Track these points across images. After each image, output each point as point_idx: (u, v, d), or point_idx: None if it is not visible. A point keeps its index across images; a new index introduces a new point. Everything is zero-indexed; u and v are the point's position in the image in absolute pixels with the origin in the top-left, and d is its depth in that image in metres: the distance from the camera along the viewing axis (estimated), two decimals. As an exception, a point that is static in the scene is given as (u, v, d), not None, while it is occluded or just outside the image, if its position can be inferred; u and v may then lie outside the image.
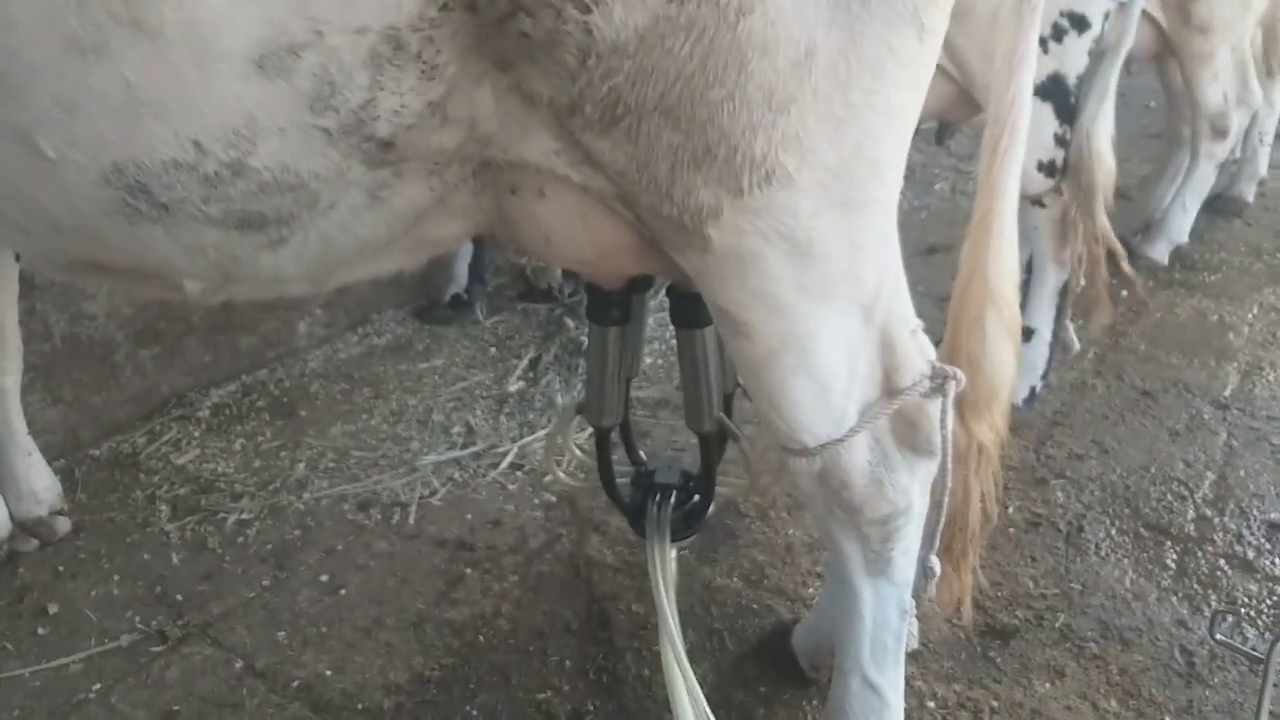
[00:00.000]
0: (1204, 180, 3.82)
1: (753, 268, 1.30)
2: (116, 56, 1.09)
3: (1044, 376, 2.91)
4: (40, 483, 2.48)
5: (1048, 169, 2.59)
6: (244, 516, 2.61)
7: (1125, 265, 2.81)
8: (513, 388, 3.15)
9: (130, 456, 2.86)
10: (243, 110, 1.14)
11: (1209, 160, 3.78)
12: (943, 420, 1.49)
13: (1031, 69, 1.46)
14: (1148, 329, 3.50)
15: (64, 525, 2.51)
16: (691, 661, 2.11)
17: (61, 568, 2.44)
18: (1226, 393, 3.10)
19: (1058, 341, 2.90)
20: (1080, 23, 2.44)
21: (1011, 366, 1.62)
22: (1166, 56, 3.73)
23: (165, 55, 1.09)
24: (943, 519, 1.58)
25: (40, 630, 2.26)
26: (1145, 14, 3.42)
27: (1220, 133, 3.71)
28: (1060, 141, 2.56)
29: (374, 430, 2.99)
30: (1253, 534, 2.49)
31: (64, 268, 1.47)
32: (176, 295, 1.49)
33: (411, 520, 2.60)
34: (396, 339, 3.51)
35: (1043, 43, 2.43)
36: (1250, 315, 3.58)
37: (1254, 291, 3.74)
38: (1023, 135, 1.51)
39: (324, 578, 2.41)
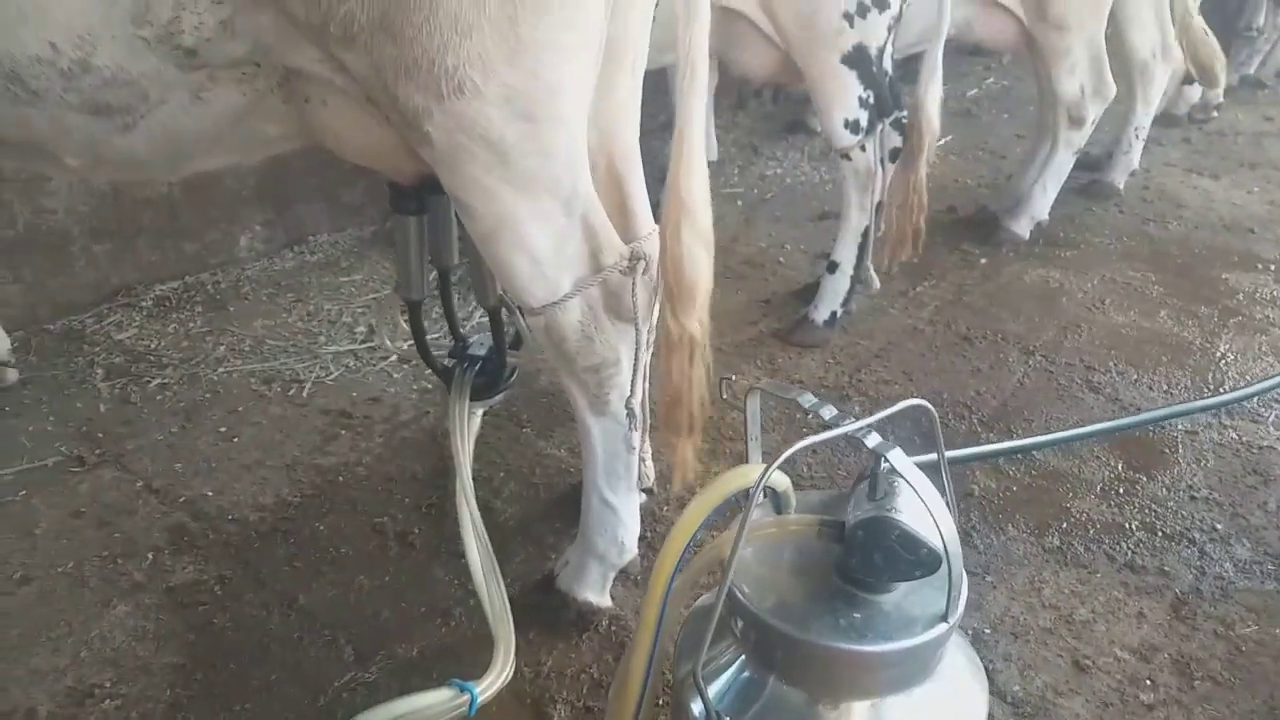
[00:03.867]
0: (1062, 165, 4.23)
1: (464, 161, 1.69)
2: None
3: (844, 304, 3.36)
4: (-10, 336, 2.96)
5: (852, 127, 3.03)
6: (165, 381, 3.10)
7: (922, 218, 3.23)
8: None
9: (78, 332, 3.35)
10: (84, 20, 1.53)
11: (1067, 147, 4.19)
12: (633, 291, 1.91)
13: (705, 19, 1.81)
14: (991, 290, 3.93)
15: (11, 375, 3.00)
16: (506, 503, 2.60)
17: (7, 407, 2.93)
18: (1038, 342, 3.54)
19: (858, 276, 3.34)
20: (880, 3, 2.87)
21: (704, 266, 1.91)
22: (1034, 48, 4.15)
23: None
24: (639, 372, 2.01)
25: (-18, 451, 2.76)
26: (1007, 9, 3.87)
27: (1076, 122, 4.12)
28: (863, 104, 3.00)
29: (290, 325, 3.47)
30: (1011, 447, 2.94)
31: None
32: (63, 171, 1.92)
33: (305, 393, 3.08)
34: (327, 257, 3.98)
35: (849, 19, 2.87)
36: (1089, 285, 4.00)
37: (1101, 266, 4.16)
38: (703, 74, 1.85)
39: (222, 429, 2.89)
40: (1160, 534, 2.59)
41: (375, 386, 3.13)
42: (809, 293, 3.54)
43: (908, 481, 1.29)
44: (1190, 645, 2.26)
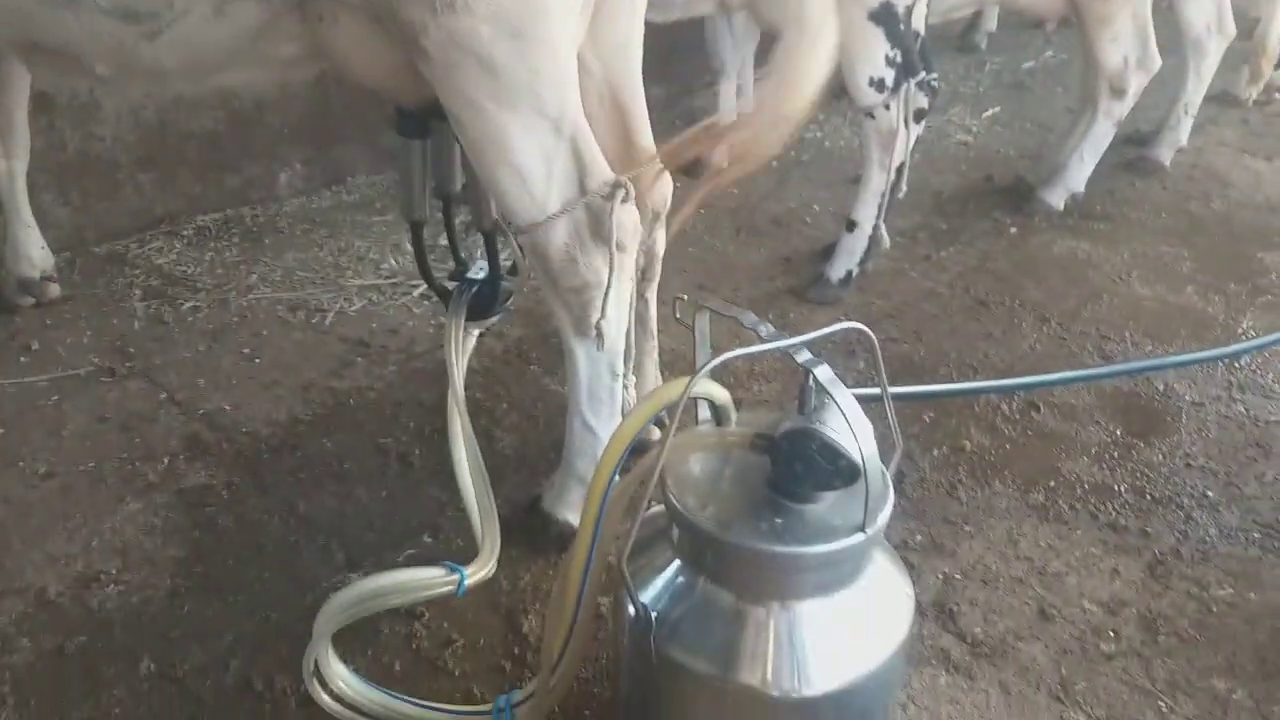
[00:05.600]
0: (1101, 136, 4.17)
1: (456, 74, 1.80)
2: None
3: (861, 263, 3.39)
4: (35, 251, 3.13)
5: (878, 85, 3.05)
6: (197, 304, 3.25)
7: None
8: (444, 240, 3.71)
9: (120, 255, 3.52)
10: None
11: (1107, 118, 4.13)
12: (613, 220, 1.98)
13: None
14: (1016, 258, 3.91)
15: (54, 290, 3.17)
16: (506, 432, 2.70)
17: (49, 321, 3.11)
18: (1056, 311, 3.52)
19: (875, 236, 3.37)
20: (907, -38, 2.89)
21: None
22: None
23: None
24: (612, 297, 2.07)
25: (22, 359, 2.93)
26: (1052, -24, 3.83)
27: (1118, 93, 4.06)
28: (890, 62, 3.01)
29: (320, 259, 3.60)
30: (1010, 408, 2.95)
31: (16, 47, 2.05)
32: (94, 80, 2.06)
33: (328, 322, 3.21)
34: (363, 197, 4.11)
35: (876, -23, 2.90)
36: (1119, 258, 3.95)
37: (1134, 241, 4.10)
38: None
39: (245, 350, 3.03)
40: (1148, 497, 2.60)
41: (395, 320, 3.24)
42: (830, 252, 3.57)
43: (830, 395, 1.35)
44: (1160, 603, 2.27)
